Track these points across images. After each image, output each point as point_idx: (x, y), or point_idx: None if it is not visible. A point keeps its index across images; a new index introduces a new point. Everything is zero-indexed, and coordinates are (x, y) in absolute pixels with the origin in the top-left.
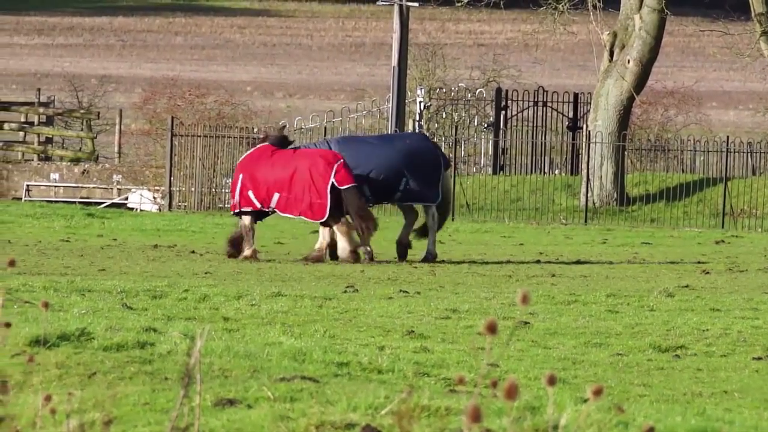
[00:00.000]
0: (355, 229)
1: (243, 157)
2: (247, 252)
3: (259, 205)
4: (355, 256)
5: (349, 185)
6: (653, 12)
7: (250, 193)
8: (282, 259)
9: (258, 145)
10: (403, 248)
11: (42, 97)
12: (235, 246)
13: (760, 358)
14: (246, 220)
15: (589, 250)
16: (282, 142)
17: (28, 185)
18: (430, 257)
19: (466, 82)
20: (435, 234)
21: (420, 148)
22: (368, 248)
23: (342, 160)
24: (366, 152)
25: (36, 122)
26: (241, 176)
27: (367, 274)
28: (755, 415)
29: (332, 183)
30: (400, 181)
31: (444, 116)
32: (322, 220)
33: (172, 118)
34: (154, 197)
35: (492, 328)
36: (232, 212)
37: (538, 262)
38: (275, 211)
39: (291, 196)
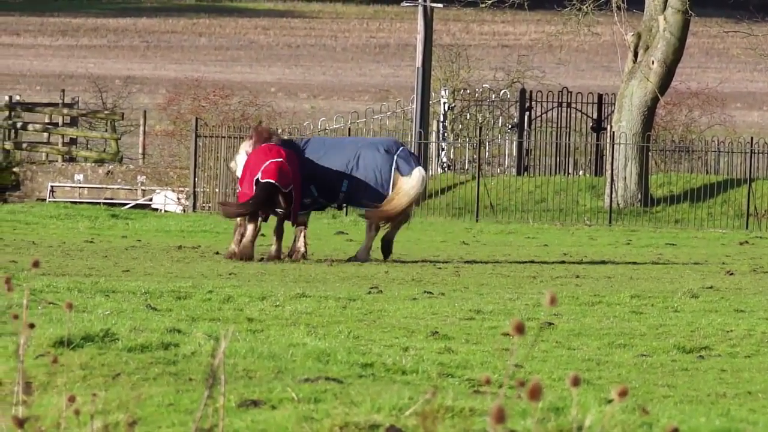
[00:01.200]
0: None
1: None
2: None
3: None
4: (230, 255)
5: (266, 180)
6: (677, 13)
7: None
8: (306, 260)
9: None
10: (386, 245)
11: (66, 98)
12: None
13: None
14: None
15: (613, 251)
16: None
17: (52, 186)
18: (359, 259)
19: (490, 83)
20: (370, 240)
21: (368, 153)
22: (232, 247)
23: (280, 160)
24: (322, 153)
25: (60, 123)
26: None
27: (392, 275)
28: None
29: (257, 177)
30: (342, 183)
31: (468, 117)
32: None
33: (197, 119)
34: (179, 198)
35: (519, 329)
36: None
37: (562, 263)
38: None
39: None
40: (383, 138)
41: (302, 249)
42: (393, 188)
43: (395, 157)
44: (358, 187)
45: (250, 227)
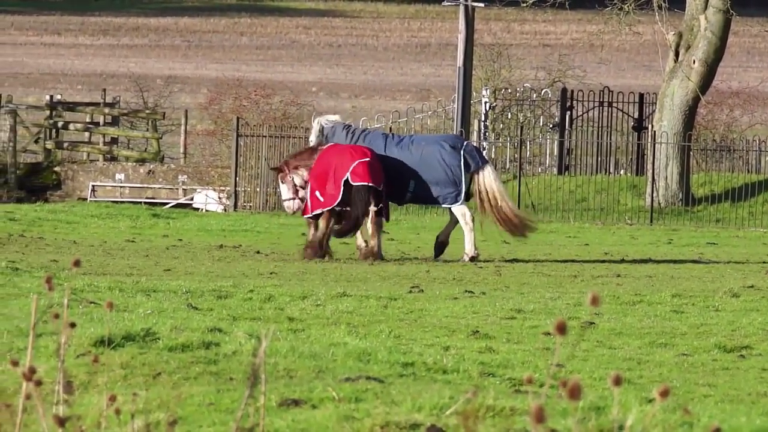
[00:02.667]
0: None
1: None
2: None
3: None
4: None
5: (360, 183)
6: (718, 12)
7: (317, 194)
8: (347, 259)
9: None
10: (440, 246)
11: (107, 97)
12: (319, 248)
13: None
14: (322, 222)
15: (654, 251)
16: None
17: (93, 185)
18: (467, 257)
19: (532, 82)
20: (471, 234)
21: (433, 150)
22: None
23: (368, 159)
24: (383, 150)
25: (101, 123)
26: (310, 183)
27: (432, 275)
28: None
29: (347, 178)
30: (409, 182)
31: (509, 117)
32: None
33: (238, 118)
34: (220, 197)
35: (561, 329)
36: (303, 216)
37: (603, 262)
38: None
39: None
40: (443, 135)
41: (375, 248)
42: (468, 184)
43: (462, 152)
44: (425, 186)
45: (323, 223)
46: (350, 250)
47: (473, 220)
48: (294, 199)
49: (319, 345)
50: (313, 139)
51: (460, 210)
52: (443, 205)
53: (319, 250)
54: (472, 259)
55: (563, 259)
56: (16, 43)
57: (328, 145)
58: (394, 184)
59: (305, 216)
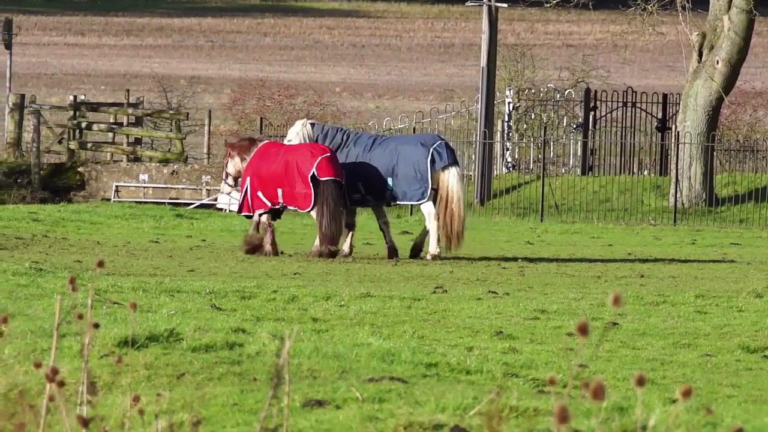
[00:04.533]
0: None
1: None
2: (267, 248)
3: (269, 204)
4: (319, 254)
5: (327, 177)
6: (742, 13)
7: (260, 194)
8: (370, 259)
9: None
10: (414, 249)
11: (131, 97)
12: (254, 247)
13: None
14: (264, 218)
15: (677, 251)
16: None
17: (117, 186)
18: (429, 256)
19: (555, 82)
20: (436, 233)
21: (407, 149)
22: (330, 248)
23: (329, 154)
24: (368, 150)
25: (125, 123)
26: (248, 179)
27: (456, 275)
28: None
29: (313, 173)
30: (387, 181)
31: (533, 117)
32: (310, 210)
33: (261, 118)
34: None
35: (583, 330)
36: (238, 214)
37: (627, 261)
38: (285, 206)
39: (289, 189)
40: (424, 134)
41: (346, 250)
42: (432, 182)
43: (431, 149)
44: (401, 184)
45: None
46: (373, 250)
47: (438, 219)
48: (226, 180)
49: (342, 345)
50: (292, 140)
51: (426, 208)
52: (410, 203)
53: (273, 249)
54: (435, 257)
55: (587, 259)
56: (40, 44)
57: (266, 142)
58: (376, 183)
59: (241, 214)
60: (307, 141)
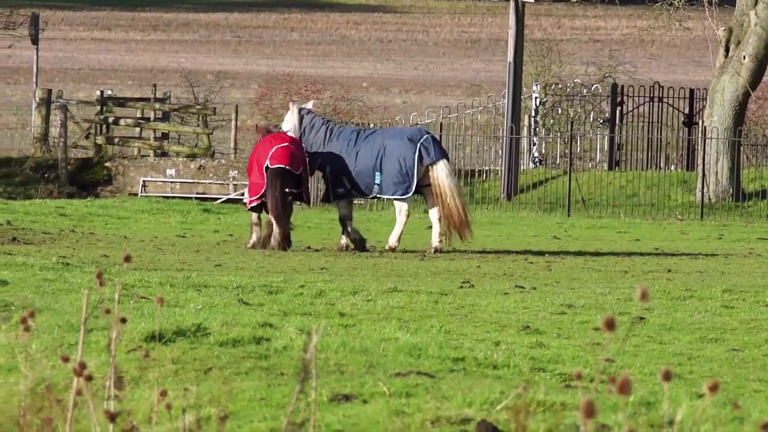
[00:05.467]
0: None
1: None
2: (272, 243)
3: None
4: (270, 245)
5: (275, 165)
6: None
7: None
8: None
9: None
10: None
11: (158, 92)
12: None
13: None
14: (254, 215)
15: (704, 246)
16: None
17: (144, 181)
18: (388, 247)
19: (582, 77)
20: (400, 228)
21: (393, 143)
22: (277, 237)
23: (286, 144)
24: (353, 145)
25: (152, 118)
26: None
27: (483, 270)
28: None
29: (267, 164)
30: (375, 175)
31: (560, 112)
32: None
33: None
34: None
35: (610, 325)
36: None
37: (653, 256)
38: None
39: (253, 181)
40: (410, 128)
41: (343, 242)
42: (419, 177)
43: (418, 145)
44: (387, 179)
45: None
46: (400, 245)
47: (407, 217)
48: None
49: (370, 340)
50: (286, 126)
51: (400, 204)
52: (394, 197)
53: (283, 242)
54: (392, 249)
55: (614, 253)
56: (67, 39)
57: (268, 134)
58: (362, 178)
59: (247, 208)
60: (296, 128)
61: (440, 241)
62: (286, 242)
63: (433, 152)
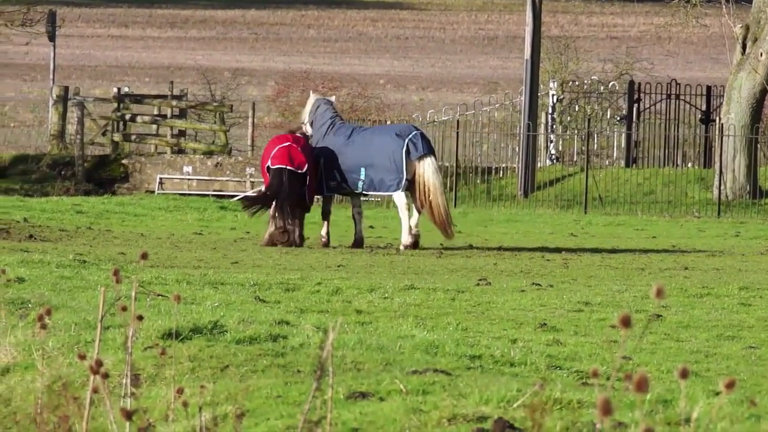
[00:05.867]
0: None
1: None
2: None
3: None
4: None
5: (276, 165)
6: None
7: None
8: (414, 252)
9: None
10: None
11: (175, 90)
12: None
13: None
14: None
15: (721, 243)
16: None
17: (161, 178)
18: (402, 247)
19: (599, 74)
20: (407, 223)
21: (381, 139)
22: (278, 236)
23: (288, 144)
24: (346, 140)
25: (169, 115)
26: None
27: (500, 267)
28: None
29: (268, 163)
30: (359, 171)
31: (577, 109)
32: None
33: None
34: None
35: (626, 322)
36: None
37: (671, 253)
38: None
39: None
40: (399, 125)
41: (324, 238)
42: (407, 173)
43: (406, 140)
44: (376, 174)
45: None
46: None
47: (408, 209)
48: None
49: (386, 337)
50: (305, 117)
51: (398, 198)
52: (385, 193)
53: (293, 238)
54: (407, 247)
55: (630, 250)
56: (84, 36)
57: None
58: (348, 172)
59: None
60: (307, 117)
61: (411, 239)
62: (283, 237)
63: (420, 148)
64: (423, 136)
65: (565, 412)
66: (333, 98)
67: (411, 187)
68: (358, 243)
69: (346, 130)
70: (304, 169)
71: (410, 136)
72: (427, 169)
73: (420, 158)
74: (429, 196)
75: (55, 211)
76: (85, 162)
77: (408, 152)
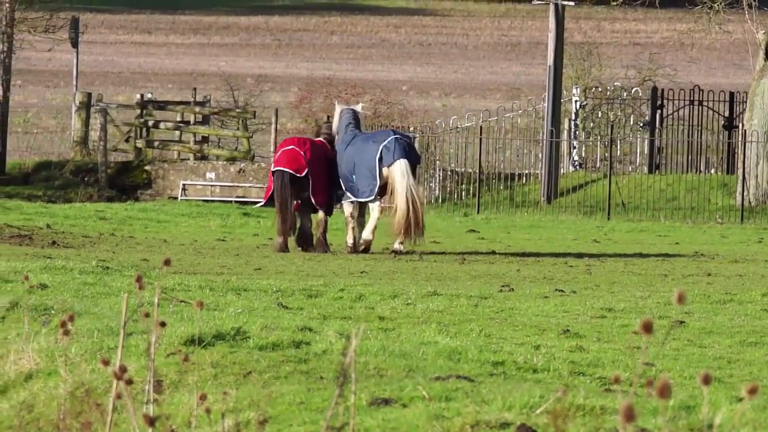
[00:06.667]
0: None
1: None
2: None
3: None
4: (279, 248)
5: (275, 168)
6: None
7: None
8: (437, 258)
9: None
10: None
11: (198, 96)
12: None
13: None
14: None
15: (744, 249)
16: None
17: (184, 184)
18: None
19: (622, 81)
20: (373, 224)
21: (365, 146)
22: (278, 240)
23: (291, 147)
24: (349, 147)
25: (192, 121)
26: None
27: (523, 273)
28: None
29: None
30: (352, 177)
31: (600, 115)
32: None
33: (328, 116)
34: None
35: (647, 328)
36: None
37: (693, 259)
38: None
39: None
40: (380, 131)
41: (350, 242)
42: (380, 179)
43: (381, 146)
44: (359, 181)
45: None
46: (440, 248)
47: (378, 218)
48: None
49: (409, 344)
50: (333, 127)
51: (372, 206)
52: (364, 200)
53: (318, 244)
54: (365, 242)
55: (653, 255)
56: (107, 42)
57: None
58: (343, 180)
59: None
60: (336, 126)
61: (363, 243)
62: (283, 246)
63: (393, 153)
64: (399, 141)
65: (587, 418)
66: (359, 106)
67: (384, 191)
68: (354, 249)
69: (349, 138)
70: (304, 173)
71: (385, 142)
72: (395, 173)
73: (391, 163)
74: (396, 200)
75: (78, 217)
76: (108, 168)
77: (381, 158)
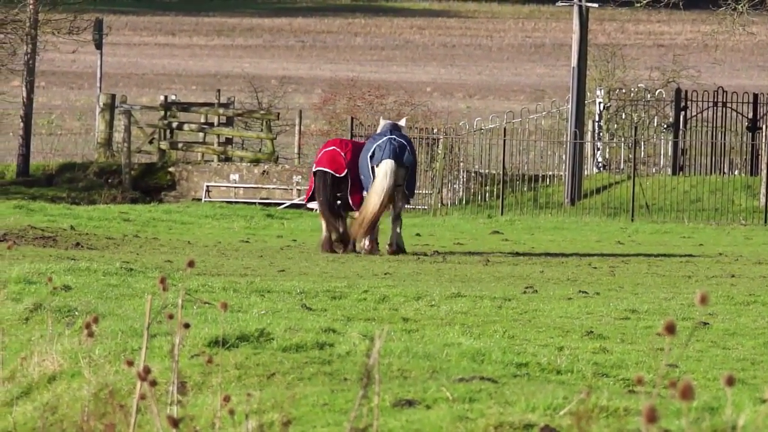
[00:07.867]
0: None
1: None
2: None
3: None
4: (326, 247)
5: (316, 168)
6: None
7: None
8: (461, 259)
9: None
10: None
11: (222, 98)
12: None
13: None
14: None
15: None
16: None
17: (208, 186)
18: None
19: (646, 82)
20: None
21: (368, 146)
22: (332, 239)
23: (332, 148)
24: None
25: (216, 123)
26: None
27: (547, 275)
28: None
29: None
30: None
31: (623, 117)
32: (308, 203)
33: (352, 118)
34: None
35: (671, 329)
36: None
37: (717, 260)
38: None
39: None
40: (381, 132)
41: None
42: (373, 176)
43: (374, 146)
44: (363, 179)
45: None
46: (464, 249)
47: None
48: None
49: (433, 345)
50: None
51: None
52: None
53: (339, 244)
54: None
55: (677, 256)
56: (131, 44)
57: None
58: (364, 180)
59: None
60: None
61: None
62: (327, 245)
63: (383, 152)
64: (392, 142)
65: (611, 419)
66: (402, 121)
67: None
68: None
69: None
70: (343, 173)
71: (379, 142)
72: (379, 172)
73: (379, 163)
74: (368, 197)
75: (102, 218)
76: (132, 170)
77: (372, 157)
